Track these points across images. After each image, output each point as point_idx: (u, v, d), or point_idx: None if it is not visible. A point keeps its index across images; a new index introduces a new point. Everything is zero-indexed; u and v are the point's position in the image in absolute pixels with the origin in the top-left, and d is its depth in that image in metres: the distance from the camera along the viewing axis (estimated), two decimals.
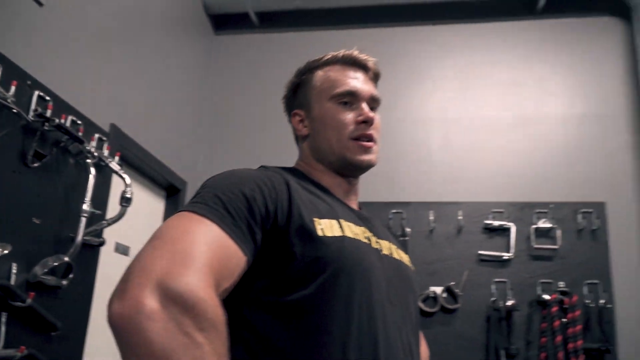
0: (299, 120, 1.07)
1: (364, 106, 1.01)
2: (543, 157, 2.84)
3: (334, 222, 0.88)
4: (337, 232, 0.86)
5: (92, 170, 1.72)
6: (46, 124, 1.56)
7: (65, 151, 1.71)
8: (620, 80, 2.91)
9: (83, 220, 1.67)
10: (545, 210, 2.72)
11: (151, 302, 0.61)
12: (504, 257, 2.66)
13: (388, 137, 2.97)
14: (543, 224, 2.68)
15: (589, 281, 2.59)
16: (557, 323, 2.51)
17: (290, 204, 0.85)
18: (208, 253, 0.70)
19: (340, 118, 1.00)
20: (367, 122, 0.99)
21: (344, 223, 0.89)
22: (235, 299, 0.80)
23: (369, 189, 2.83)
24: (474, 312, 2.62)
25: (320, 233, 0.83)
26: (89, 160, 1.73)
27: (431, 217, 2.77)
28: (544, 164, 2.83)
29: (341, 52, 1.06)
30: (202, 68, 3.10)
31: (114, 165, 1.85)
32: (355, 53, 1.05)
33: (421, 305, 2.62)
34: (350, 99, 1.01)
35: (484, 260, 2.69)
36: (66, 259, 1.60)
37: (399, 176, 2.89)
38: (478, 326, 2.60)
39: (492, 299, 2.61)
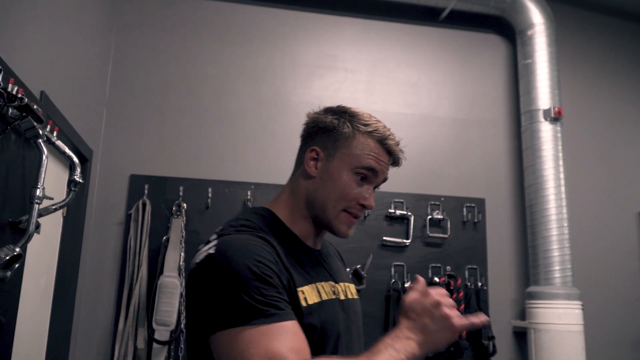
0: (313, 158, 1.11)
1: (371, 192, 1.11)
2: (437, 155, 3.17)
3: (313, 287, 1.02)
4: (316, 299, 1.00)
5: (45, 150, 1.52)
6: (11, 102, 1.34)
7: (12, 128, 1.48)
8: (500, 93, 3.35)
9: (36, 207, 1.47)
10: (438, 203, 3.05)
11: None
12: (404, 243, 2.93)
13: (301, 123, 3.05)
14: (436, 215, 3.01)
15: (469, 266, 2.99)
16: None
17: (284, 274, 0.96)
18: (281, 343, 0.85)
19: (349, 191, 1.07)
20: (364, 207, 1.09)
21: (319, 286, 1.04)
22: None
23: (282, 174, 2.91)
24: (375, 292, 2.85)
25: (304, 303, 0.97)
26: (40, 140, 1.52)
27: None
28: (438, 161, 3.16)
29: (386, 134, 1.10)
30: (104, 28, 2.82)
31: (61, 144, 1.65)
32: (397, 148, 1.12)
33: None
34: (367, 176, 1.09)
35: (385, 245, 2.93)
36: (18, 249, 1.40)
37: None
38: (379, 304, 2.85)
39: (392, 280, 2.87)
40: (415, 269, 2.92)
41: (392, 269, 2.90)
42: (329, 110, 1.14)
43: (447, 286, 2.89)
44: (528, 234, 3.02)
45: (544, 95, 3.08)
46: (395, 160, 1.13)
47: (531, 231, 2.98)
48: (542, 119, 3.04)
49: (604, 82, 3.50)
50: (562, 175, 2.98)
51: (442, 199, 3.06)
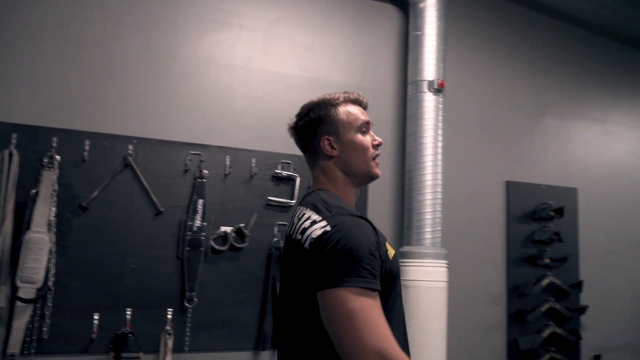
0: (328, 144, 1.40)
1: (373, 133, 1.44)
2: None
3: (388, 244, 1.32)
4: (392, 252, 1.30)
5: None
6: None
7: None
8: (391, 62, 3.46)
9: None
10: None
11: None
12: (289, 204, 3.00)
13: (192, 78, 2.98)
14: None
15: None
16: None
17: (379, 242, 1.23)
18: (383, 320, 1.12)
19: (364, 144, 1.40)
20: (379, 145, 1.44)
21: (388, 244, 1.33)
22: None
23: (167, 129, 2.85)
24: (258, 250, 2.92)
25: (390, 257, 1.27)
26: None
27: (227, 162, 2.92)
28: None
29: (351, 96, 1.44)
30: None
31: None
32: (362, 97, 1.46)
33: (212, 243, 2.80)
34: (366, 127, 1.42)
35: (270, 205, 2.98)
36: None
37: (200, 119, 2.94)
38: (260, 262, 2.92)
39: (275, 239, 2.94)
40: None
41: (276, 228, 2.97)
42: (307, 111, 1.44)
43: None
44: (405, 198, 3.20)
45: (429, 67, 3.22)
46: (365, 106, 1.46)
47: (408, 195, 3.16)
48: (426, 89, 3.19)
49: (486, 60, 3.72)
50: (440, 144, 3.17)
51: None
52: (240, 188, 2.94)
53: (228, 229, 2.86)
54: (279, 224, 2.97)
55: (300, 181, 3.04)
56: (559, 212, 3.66)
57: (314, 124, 1.42)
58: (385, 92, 3.41)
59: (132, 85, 2.84)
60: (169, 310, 2.70)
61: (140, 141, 2.77)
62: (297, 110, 1.46)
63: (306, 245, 1.21)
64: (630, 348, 3.93)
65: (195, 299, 2.74)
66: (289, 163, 3.05)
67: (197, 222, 2.80)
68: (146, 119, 2.84)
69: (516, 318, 3.54)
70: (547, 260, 3.60)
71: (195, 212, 2.81)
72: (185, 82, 2.96)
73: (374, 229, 1.25)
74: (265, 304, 2.87)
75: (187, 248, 2.77)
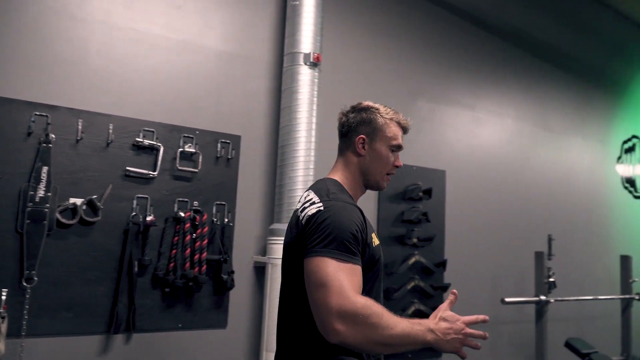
0: (361, 142, 1.64)
1: (398, 156, 1.68)
2: (196, 86, 3.02)
3: (374, 234, 1.54)
4: (376, 242, 1.54)
5: None
6: None
7: None
8: (268, 31, 3.31)
9: None
10: (192, 136, 2.93)
11: (341, 327, 1.25)
12: (150, 175, 2.77)
13: (40, 30, 2.64)
14: (188, 148, 2.89)
15: (218, 202, 2.97)
16: (188, 237, 2.80)
17: (366, 229, 1.47)
18: (349, 281, 1.29)
19: (389, 160, 1.65)
20: (398, 167, 1.68)
21: (375, 234, 1.56)
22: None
23: (8, 83, 2.49)
24: (113, 225, 2.66)
25: (374, 245, 1.50)
26: None
27: (80, 126, 2.62)
28: (196, 92, 3.02)
29: (402, 120, 1.69)
30: None
31: None
32: (409, 125, 1.71)
33: (59, 216, 2.50)
34: (396, 149, 1.66)
35: (129, 176, 2.73)
36: None
37: (48, 76, 2.60)
38: (116, 238, 2.66)
39: (133, 213, 2.70)
40: (161, 203, 2.80)
41: (135, 202, 2.72)
42: (362, 108, 1.69)
43: (192, 221, 2.83)
44: (277, 174, 3.10)
45: (306, 39, 3.12)
46: (406, 133, 1.71)
47: (280, 171, 3.06)
48: (302, 62, 3.09)
49: (363, 38, 3.70)
50: (314, 120, 3.09)
51: (197, 132, 2.95)
52: (94, 156, 2.66)
53: (78, 200, 2.58)
54: (139, 197, 2.73)
55: (164, 151, 2.81)
56: (428, 193, 3.77)
57: (361, 120, 1.65)
58: (261, 62, 3.26)
59: None
60: (4, 291, 2.37)
61: None
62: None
63: (303, 221, 1.44)
64: (486, 324, 4.18)
65: (36, 278, 2.43)
66: (152, 131, 2.81)
67: (41, 192, 2.48)
68: None
69: (384, 295, 3.60)
70: (414, 240, 3.70)
71: (38, 180, 2.48)
72: (31, 33, 2.59)
73: (363, 217, 1.48)
74: (120, 284, 2.63)
75: (28, 221, 2.45)
